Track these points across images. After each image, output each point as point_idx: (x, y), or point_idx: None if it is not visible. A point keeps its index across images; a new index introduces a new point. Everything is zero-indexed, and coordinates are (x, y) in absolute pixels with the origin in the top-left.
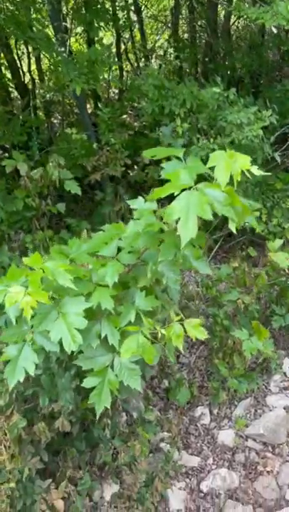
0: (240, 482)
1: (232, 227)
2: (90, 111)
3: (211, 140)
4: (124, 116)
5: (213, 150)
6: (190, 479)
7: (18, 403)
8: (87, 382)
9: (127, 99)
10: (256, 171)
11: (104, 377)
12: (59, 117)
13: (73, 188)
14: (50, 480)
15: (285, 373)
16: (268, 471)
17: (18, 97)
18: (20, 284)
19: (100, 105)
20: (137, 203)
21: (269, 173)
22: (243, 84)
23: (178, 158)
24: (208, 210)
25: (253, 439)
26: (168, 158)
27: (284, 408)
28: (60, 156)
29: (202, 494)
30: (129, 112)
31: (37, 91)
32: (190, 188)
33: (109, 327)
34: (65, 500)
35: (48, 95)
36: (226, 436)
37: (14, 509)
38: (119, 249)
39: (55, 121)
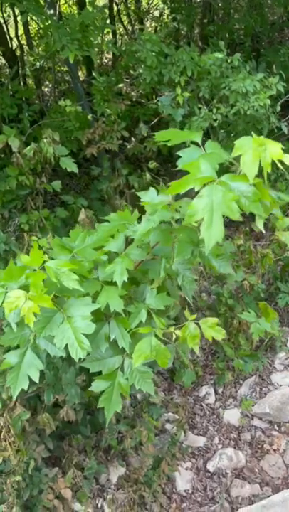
0: (246, 461)
1: (260, 224)
2: (82, 78)
3: (214, 110)
4: (121, 85)
5: (216, 121)
6: (196, 459)
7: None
8: (96, 386)
9: (123, 66)
10: None
11: (114, 380)
12: (50, 86)
13: (69, 165)
14: (57, 469)
15: None
16: (274, 450)
17: (6, 65)
18: (19, 285)
19: (93, 73)
20: (149, 196)
21: None
22: (243, 48)
23: (196, 143)
24: (236, 209)
25: (259, 417)
26: (183, 143)
27: None
28: (53, 129)
29: (209, 474)
30: (125, 80)
31: (26, 58)
32: (212, 182)
33: (118, 329)
34: (71, 487)
35: (37, 63)
36: (232, 416)
37: (21, 500)
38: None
39: (46, 89)
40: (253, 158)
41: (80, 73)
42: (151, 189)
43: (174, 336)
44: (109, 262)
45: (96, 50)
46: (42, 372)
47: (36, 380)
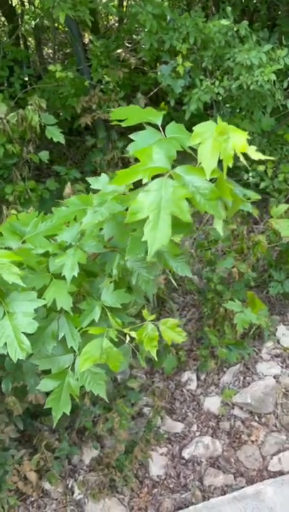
0: (223, 450)
1: (218, 226)
2: (87, 41)
3: (216, 83)
4: (120, 50)
5: (218, 94)
6: (172, 445)
7: None
8: (44, 386)
9: (125, 30)
10: (255, 153)
11: (64, 380)
12: (53, 47)
13: (55, 135)
14: (24, 450)
15: (278, 340)
16: (252, 441)
17: (6, 23)
18: None
19: (90, 36)
20: (100, 183)
21: (271, 158)
22: (259, 16)
23: (155, 126)
24: (186, 209)
25: (240, 407)
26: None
27: (274, 377)
28: (45, 95)
29: (183, 461)
30: (127, 45)
31: (26, 16)
32: (165, 174)
33: (68, 327)
34: (41, 467)
35: (33, 22)
36: (212, 404)
37: None
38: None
39: (50, 51)
40: (213, 149)
41: (84, 35)
42: (103, 175)
43: (128, 338)
44: (64, 250)
45: (102, 10)
46: (3, 358)
47: None
